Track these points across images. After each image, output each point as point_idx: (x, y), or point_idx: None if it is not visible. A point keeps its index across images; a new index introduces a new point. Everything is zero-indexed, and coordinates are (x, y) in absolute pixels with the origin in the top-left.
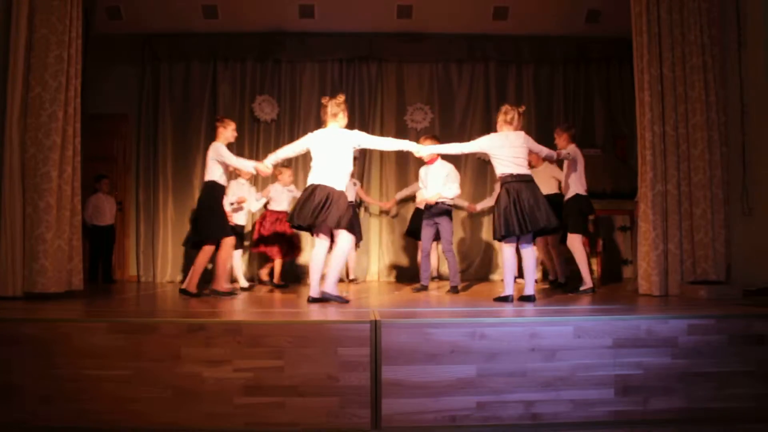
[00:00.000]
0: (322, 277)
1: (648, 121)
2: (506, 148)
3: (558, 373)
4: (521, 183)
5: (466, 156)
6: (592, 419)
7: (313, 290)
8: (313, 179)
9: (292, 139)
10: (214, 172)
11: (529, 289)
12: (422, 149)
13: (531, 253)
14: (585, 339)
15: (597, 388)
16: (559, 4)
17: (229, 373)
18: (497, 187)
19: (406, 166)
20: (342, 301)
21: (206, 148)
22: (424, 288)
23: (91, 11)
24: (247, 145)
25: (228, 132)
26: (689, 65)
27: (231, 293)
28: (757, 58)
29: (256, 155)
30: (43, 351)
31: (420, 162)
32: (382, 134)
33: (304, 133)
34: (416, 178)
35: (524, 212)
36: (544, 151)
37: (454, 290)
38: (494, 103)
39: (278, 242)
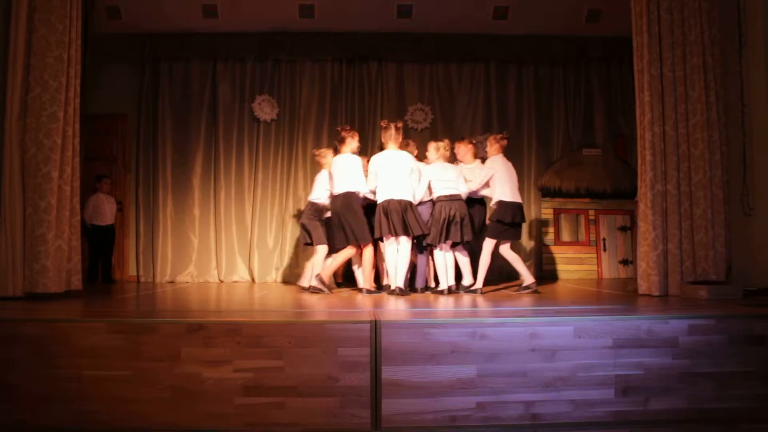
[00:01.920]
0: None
1: (648, 121)
2: (440, 175)
3: (558, 374)
4: (452, 202)
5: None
6: (593, 419)
7: (401, 282)
8: (385, 195)
9: (292, 139)
10: (352, 184)
11: (443, 284)
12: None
13: (451, 258)
14: (585, 339)
15: (597, 388)
16: (560, 3)
17: (228, 373)
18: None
19: None
20: (409, 293)
21: (206, 148)
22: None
23: (91, 11)
24: (247, 145)
25: (355, 142)
26: (689, 65)
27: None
28: (757, 57)
29: (256, 155)
30: (42, 351)
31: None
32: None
33: (304, 133)
34: None
35: (449, 225)
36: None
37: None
38: (494, 103)
39: None
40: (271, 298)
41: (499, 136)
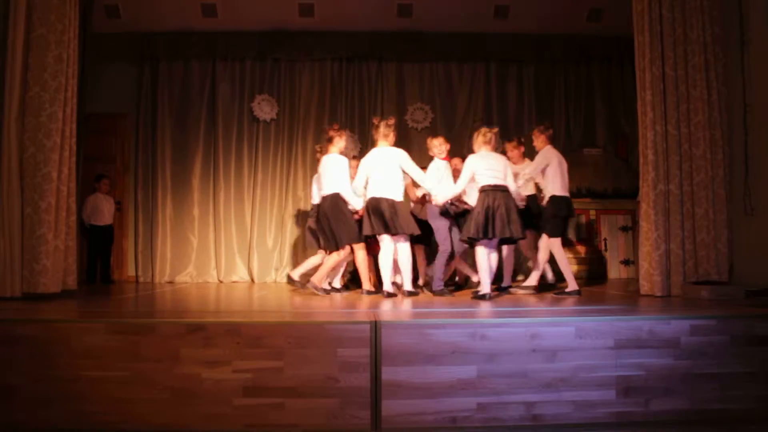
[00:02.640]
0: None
1: (650, 120)
2: (485, 164)
3: (559, 374)
4: (497, 192)
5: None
6: (594, 420)
7: (387, 286)
8: (373, 193)
9: (291, 138)
10: (337, 185)
11: (485, 288)
12: (438, 198)
13: (495, 258)
14: (586, 340)
15: (598, 389)
16: (560, 2)
17: (228, 373)
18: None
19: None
20: (417, 294)
21: (205, 147)
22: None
23: (89, 10)
24: (246, 145)
25: (343, 141)
26: (691, 64)
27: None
28: (759, 56)
29: (255, 155)
30: (41, 352)
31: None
32: None
33: (304, 132)
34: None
35: (494, 219)
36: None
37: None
38: (495, 102)
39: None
40: (271, 298)
41: (542, 127)
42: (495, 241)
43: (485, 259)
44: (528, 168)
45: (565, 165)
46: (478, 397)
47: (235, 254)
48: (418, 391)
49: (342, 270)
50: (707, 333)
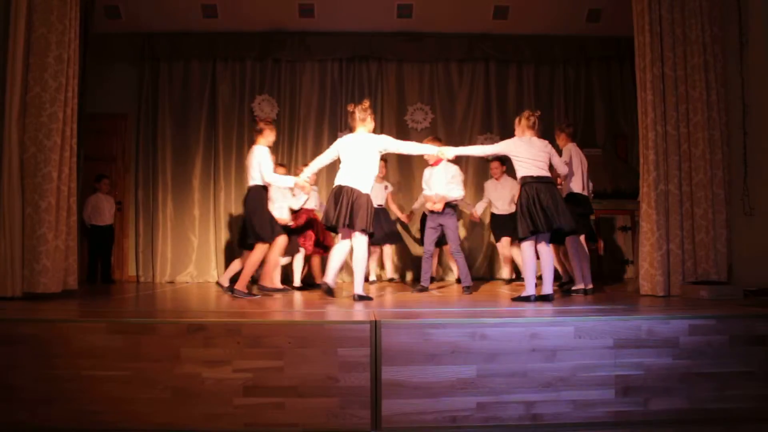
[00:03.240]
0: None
1: (651, 120)
2: (528, 151)
3: (558, 374)
4: (540, 184)
5: (468, 157)
6: (593, 420)
7: (330, 279)
8: (340, 180)
9: (292, 138)
10: (259, 177)
11: (548, 288)
12: (447, 151)
13: (548, 253)
14: (586, 339)
15: (598, 388)
16: (560, 3)
17: (228, 373)
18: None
19: (410, 169)
20: (368, 299)
21: (205, 148)
22: (425, 289)
23: (90, 10)
24: (247, 145)
25: (272, 135)
26: (690, 64)
27: (254, 295)
28: (758, 56)
29: None
30: (41, 351)
31: (424, 164)
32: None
33: (304, 132)
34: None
35: (543, 211)
36: (560, 167)
37: (467, 290)
38: (495, 103)
39: (311, 238)
40: (271, 298)
41: (563, 125)
42: (546, 236)
43: (532, 257)
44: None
45: (585, 164)
46: (478, 397)
47: (235, 254)
48: (418, 390)
49: (301, 268)
50: (706, 333)
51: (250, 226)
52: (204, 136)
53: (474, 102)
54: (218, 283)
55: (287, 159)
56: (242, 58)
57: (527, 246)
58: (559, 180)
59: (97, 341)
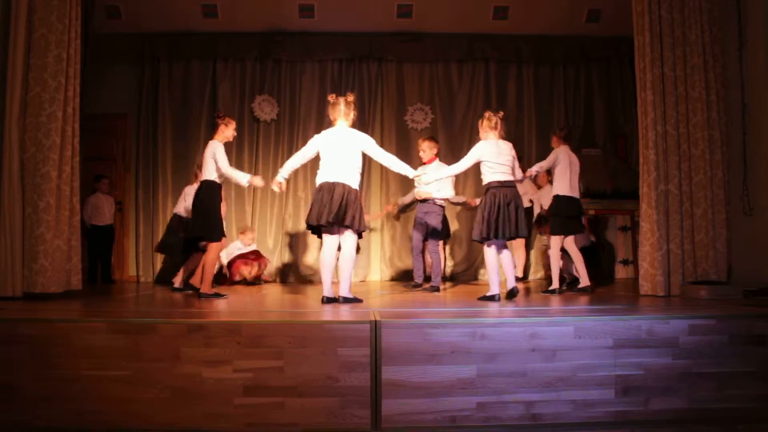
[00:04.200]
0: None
1: (651, 120)
2: (497, 156)
3: (558, 374)
4: (506, 189)
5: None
6: (593, 420)
7: (327, 290)
8: (326, 177)
9: (292, 139)
10: (212, 171)
11: (511, 283)
12: (424, 177)
13: (507, 254)
14: (585, 339)
15: (597, 388)
16: (560, 3)
17: (228, 373)
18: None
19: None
20: (358, 301)
21: (206, 148)
22: (418, 286)
23: (90, 10)
24: (247, 146)
25: (228, 131)
26: (690, 64)
27: (220, 295)
28: (758, 57)
29: (256, 155)
30: (42, 351)
31: (419, 162)
32: (382, 135)
33: (304, 133)
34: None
35: (503, 219)
36: (518, 173)
37: (434, 289)
38: (495, 103)
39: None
40: (271, 298)
41: (556, 128)
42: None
43: (494, 259)
44: (540, 162)
45: (577, 166)
46: (478, 397)
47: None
48: (418, 390)
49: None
50: (706, 332)
51: (205, 223)
52: (204, 136)
53: (474, 102)
54: (172, 282)
55: (287, 158)
56: (242, 58)
57: (489, 248)
58: (540, 180)
59: (98, 341)
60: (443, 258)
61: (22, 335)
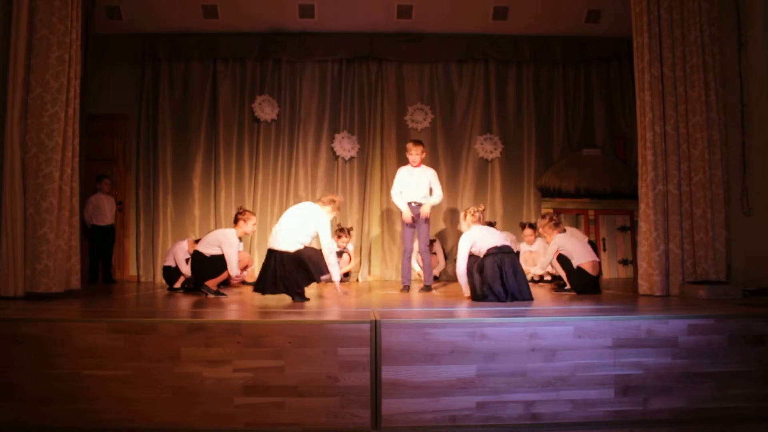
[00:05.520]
0: None
1: (649, 120)
2: (489, 241)
3: (558, 373)
4: (504, 254)
5: (467, 157)
6: (592, 419)
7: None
8: (272, 244)
9: (292, 139)
10: (215, 250)
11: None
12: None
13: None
14: (585, 339)
15: (597, 388)
16: (559, 4)
17: (229, 373)
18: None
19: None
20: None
21: (206, 148)
22: (407, 288)
23: (91, 12)
24: (247, 146)
25: (248, 226)
26: (689, 65)
27: (221, 293)
28: (757, 57)
29: (256, 155)
30: (43, 351)
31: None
32: (382, 135)
33: (305, 133)
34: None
35: (503, 285)
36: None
37: (427, 289)
38: (494, 103)
39: None
40: (271, 297)
41: (543, 221)
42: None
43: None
44: (543, 259)
45: (578, 233)
46: (478, 396)
47: None
48: (417, 390)
49: None
50: (705, 332)
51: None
52: (204, 136)
53: (474, 102)
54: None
55: (288, 159)
56: (243, 58)
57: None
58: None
59: (98, 341)
60: (443, 258)
61: (23, 335)
